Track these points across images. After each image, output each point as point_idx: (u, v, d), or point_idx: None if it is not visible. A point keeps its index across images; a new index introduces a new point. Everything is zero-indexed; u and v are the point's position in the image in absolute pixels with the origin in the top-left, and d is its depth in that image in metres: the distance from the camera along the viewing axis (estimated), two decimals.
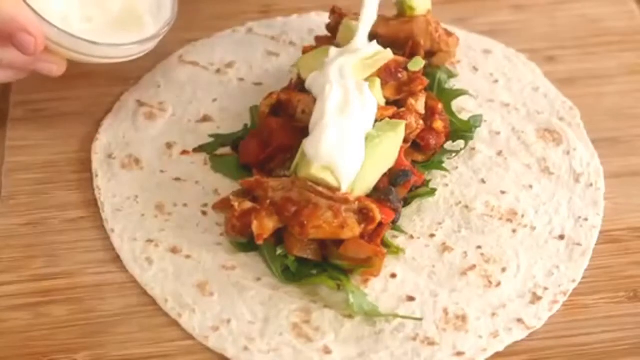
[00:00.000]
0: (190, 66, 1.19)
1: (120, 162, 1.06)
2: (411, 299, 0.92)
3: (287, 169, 0.97)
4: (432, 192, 1.02)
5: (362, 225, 0.91)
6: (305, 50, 1.09)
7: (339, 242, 0.92)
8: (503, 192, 1.03)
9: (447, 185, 1.04)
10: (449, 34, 1.12)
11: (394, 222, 0.96)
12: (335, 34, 1.11)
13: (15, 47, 0.96)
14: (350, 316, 0.91)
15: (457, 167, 1.06)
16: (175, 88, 1.16)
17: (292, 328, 0.90)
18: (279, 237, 0.94)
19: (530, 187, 1.04)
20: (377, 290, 0.93)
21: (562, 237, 0.98)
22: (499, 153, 1.08)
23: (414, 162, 1.03)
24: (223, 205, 0.98)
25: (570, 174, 1.05)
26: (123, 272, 0.96)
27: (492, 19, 1.27)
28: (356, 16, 1.09)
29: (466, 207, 1.01)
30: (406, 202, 1.00)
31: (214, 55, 1.21)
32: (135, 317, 0.92)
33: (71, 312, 0.92)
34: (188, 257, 0.96)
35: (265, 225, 0.92)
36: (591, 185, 1.04)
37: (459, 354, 0.88)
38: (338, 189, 0.92)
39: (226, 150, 1.07)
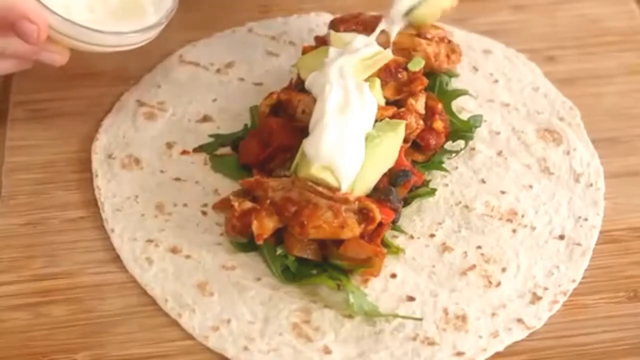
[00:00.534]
0: (190, 66, 1.19)
1: (120, 162, 1.06)
2: (411, 299, 0.92)
3: (287, 169, 0.97)
4: (432, 192, 1.02)
5: (362, 225, 0.91)
6: (305, 51, 1.09)
7: (339, 242, 0.92)
8: (503, 192, 1.03)
9: (447, 185, 1.04)
10: (453, 50, 1.11)
11: (394, 222, 0.96)
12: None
13: (18, 35, 0.95)
14: (350, 316, 0.91)
15: (457, 167, 1.06)
16: (175, 88, 1.16)
17: (292, 328, 0.90)
18: (279, 237, 0.94)
19: (530, 187, 1.04)
20: (377, 290, 0.93)
21: (562, 237, 0.98)
22: (499, 153, 1.08)
23: (414, 162, 1.03)
24: (223, 205, 0.98)
25: (570, 174, 1.05)
26: (123, 272, 0.96)
27: (492, 19, 1.27)
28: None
29: (466, 207, 1.01)
30: (406, 202, 1.00)
31: (214, 55, 1.21)
32: (135, 317, 0.92)
33: (71, 312, 0.92)
34: (188, 257, 0.96)
35: (265, 225, 0.92)
36: (591, 185, 1.04)
37: (459, 354, 0.88)
38: (338, 189, 0.92)
39: (226, 150, 1.07)
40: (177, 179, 1.04)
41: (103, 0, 1.04)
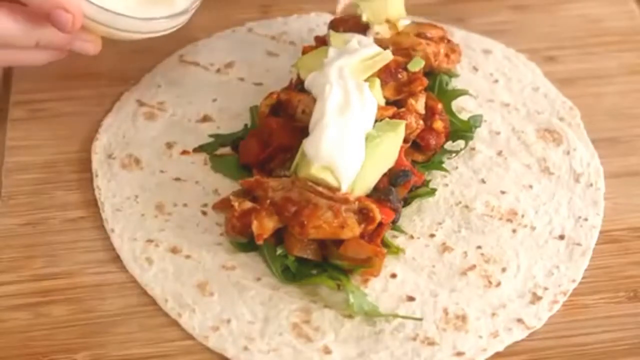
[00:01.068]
0: (190, 66, 1.19)
1: (120, 162, 1.06)
2: (411, 299, 0.92)
3: (287, 169, 0.97)
4: (432, 192, 1.02)
5: (362, 225, 0.91)
6: (305, 51, 1.09)
7: (339, 242, 0.92)
8: (503, 192, 1.03)
9: (447, 185, 1.04)
10: (452, 49, 1.11)
11: (394, 222, 0.96)
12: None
13: (53, 24, 0.96)
14: (350, 316, 0.91)
15: (457, 167, 1.06)
16: (175, 88, 1.16)
17: (292, 328, 0.90)
18: (279, 237, 0.94)
19: (530, 187, 1.04)
20: (377, 290, 0.93)
21: (562, 237, 0.98)
22: (499, 153, 1.08)
23: (414, 162, 1.03)
24: (223, 205, 0.98)
25: (570, 174, 1.05)
26: (123, 272, 0.95)
27: (492, 19, 1.27)
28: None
29: (466, 207, 1.01)
30: (406, 202, 1.00)
31: (214, 55, 1.21)
32: (135, 317, 0.92)
33: (71, 312, 0.92)
34: (188, 257, 0.96)
35: (265, 225, 0.92)
36: (591, 185, 1.04)
37: (459, 354, 0.88)
38: (338, 189, 0.92)
39: (226, 150, 1.07)
40: (177, 179, 1.04)
41: None
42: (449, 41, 1.12)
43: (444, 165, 1.05)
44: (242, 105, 1.12)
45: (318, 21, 1.25)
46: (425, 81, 1.04)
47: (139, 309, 0.92)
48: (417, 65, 1.05)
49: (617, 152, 1.09)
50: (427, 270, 0.95)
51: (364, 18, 1.09)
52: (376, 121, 0.98)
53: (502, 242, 0.98)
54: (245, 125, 1.10)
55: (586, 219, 1.00)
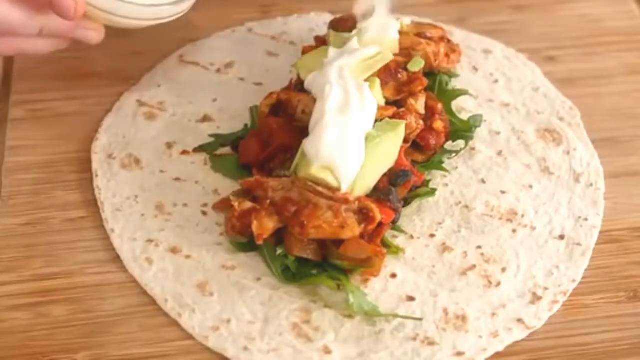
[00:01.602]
0: (190, 66, 1.19)
1: (120, 162, 1.06)
2: (411, 299, 0.92)
3: (287, 169, 0.97)
4: (432, 192, 1.02)
5: (362, 225, 0.91)
6: (305, 51, 1.09)
7: (339, 242, 0.92)
8: (503, 192, 1.03)
9: (447, 185, 1.04)
10: (452, 49, 1.11)
11: (394, 222, 0.96)
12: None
13: (55, 12, 0.96)
14: (350, 316, 0.91)
15: (457, 167, 1.06)
16: (175, 88, 1.16)
17: (292, 328, 0.90)
18: (279, 237, 0.94)
19: (530, 187, 1.04)
20: (377, 290, 0.93)
21: (562, 237, 0.98)
22: (499, 153, 1.08)
23: (414, 162, 1.03)
24: (223, 205, 0.98)
25: (570, 174, 1.05)
26: (123, 272, 0.95)
27: (492, 19, 1.27)
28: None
29: (466, 207, 1.01)
30: (406, 202, 1.00)
31: (214, 55, 1.21)
32: (135, 317, 0.92)
33: (71, 312, 0.92)
34: (188, 257, 0.96)
35: (265, 225, 0.92)
36: (591, 185, 1.04)
37: (459, 354, 0.88)
38: (338, 189, 0.92)
39: (226, 150, 1.07)
40: (177, 179, 1.04)
41: None
42: (449, 41, 1.12)
43: (444, 165, 1.05)
44: (242, 105, 1.12)
45: (318, 21, 1.25)
46: (425, 81, 1.04)
47: (139, 309, 0.92)
48: (417, 65, 1.05)
49: (617, 152, 1.09)
50: (427, 270, 0.95)
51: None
52: (376, 121, 0.98)
53: (502, 242, 0.98)
54: (245, 125, 1.10)
55: (586, 219, 1.00)
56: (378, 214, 0.91)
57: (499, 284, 0.94)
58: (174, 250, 0.97)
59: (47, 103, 1.15)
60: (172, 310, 0.91)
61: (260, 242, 0.92)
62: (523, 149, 1.08)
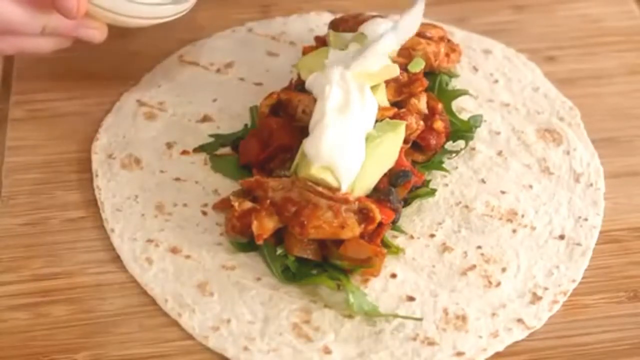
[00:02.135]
0: (190, 66, 1.19)
1: (120, 162, 1.06)
2: (411, 299, 0.92)
3: (287, 169, 0.97)
4: (432, 192, 1.02)
5: (362, 226, 0.91)
6: (305, 51, 1.09)
7: (339, 242, 0.92)
8: (503, 192, 1.03)
9: (447, 185, 1.04)
10: (452, 49, 1.11)
11: (394, 222, 0.96)
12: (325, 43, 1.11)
13: (58, 10, 0.96)
14: (350, 316, 0.91)
15: (457, 167, 1.06)
16: (175, 88, 1.16)
17: (292, 328, 0.90)
18: (279, 237, 0.94)
19: (530, 187, 1.04)
20: (377, 290, 0.93)
21: (562, 237, 0.98)
22: (499, 153, 1.08)
23: (414, 162, 1.03)
24: (223, 205, 0.98)
25: (570, 174, 1.05)
26: (123, 272, 0.95)
27: (492, 19, 1.27)
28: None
29: (466, 207, 1.01)
30: (406, 202, 1.00)
31: (214, 55, 1.21)
32: (135, 317, 0.92)
33: (71, 312, 0.92)
34: (188, 257, 0.96)
35: (265, 225, 0.92)
36: (591, 185, 1.04)
37: (459, 354, 0.88)
38: (338, 189, 0.92)
39: (226, 150, 1.07)
40: (177, 179, 1.04)
41: None
42: (449, 41, 1.12)
43: (444, 165, 1.05)
44: (242, 105, 1.12)
45: (318, 21, 1.25)
46: (426, 82, 1.04)
47: (139, 309, 0.92)
48: (417, 66, 1.05)
49: (617, 152, 1.09)
50: (427, 270, 0.95)
51: None
52: (377, 121, 0.98)
53: (502, 242, 0.98)
54: (245, 125, 1.10)
55: (586, 219, 1.00)
56: (378, 214, 0.91)
57: (499, 284, 0.94)
58: (174, 250, 0.97)
59: (47, 103, 1.15)
60: (172, 310, 0.91)
61: (260, 242, 0.92)
62: (523, 149, 1.08)
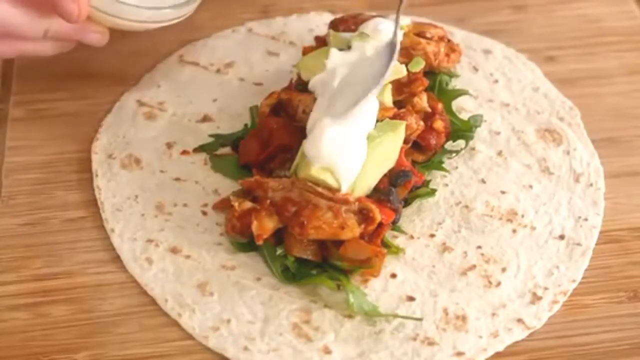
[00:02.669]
0: (190, 66, 1.19)
1: (120, 162, 1.06)
2: (411, 299, 0.92)
3: (287, 170, 0.97)
4: (432, 192, 1.02)
5: (362, 226, 0.91)
6: (306, 51, 1.09)
7: (339, 243, 0.92)
8: (503, 192, 1.03)
9: (447, 185, 1.04)
10: (452, 49, 1.11)
11: (394, 222, 0.96)
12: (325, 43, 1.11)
13: (59, 14, 0.96)
14: (350, 316, 0.91)
15: (457, 167, 1.06)
16: (175, 88, 1.16)
17: (292, 328, 0.90)
18: (279, 237, 0.94)
19: (530, 187, 1.04)
20: (377, 290, 0.93)
21: (562, 237, 0.98)
22: (499, 153, 1.08)
23: (414, 162, 1.03)
24: (223, 205, 0.98)
25: (570, 174, 1.05)
26: (123, 272, 0.95)
27: (492, 19, 1.27)
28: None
29: (466, 207, 1.01)
30: (406, 202, 1.00)
31: (214, 55, 1.21)
32: (135, 317, 0.92)
33: (71, 312, 0.92)
34: (188, 257, 0.96)
35: (265, 226, 0.92)
36: (591, 185, 1.04)
37: (459, 354, 0.88)
38: (338, 190, 0.92)
39: (226, 150, 1.07)
40: (177, 179, 1.04)
41: None
42: (449, 41, 1.12)
43: (444, 165, 1.05)
44: (242, 105, 1.12)
45: (318, 21, 1.25)
46: (426, 82, 1.04)
47: (139, 309, 0.92)
48: (417, 65, 1.05)
49: (617, 152, 1.09)
50: (427, 270, 0.95)
51: None
52: (377, 121, 0.98)
53: (502, 242, 0.98)
54: (245, 125, 1.10)
55: (586, 219, 1.00)
56: (378, 215, 0.91)
57: (499, 284, 0.94)
58: (174, 250, 0.97)
59: (47, 103, 1.15)
60: (172, 310, 0.91)
61: (260, 243, 0.92)
62: (523, 149, 1.08)
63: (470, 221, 1.00)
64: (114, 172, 1.05)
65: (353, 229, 0.91)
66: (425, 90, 1.05)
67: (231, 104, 1.13)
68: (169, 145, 1.08)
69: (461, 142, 1.07)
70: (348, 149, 0.93)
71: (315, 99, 0.99)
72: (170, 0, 1.05)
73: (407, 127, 0.99)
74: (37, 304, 0.93)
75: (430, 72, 1.09)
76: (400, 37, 1.05)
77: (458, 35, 1.23)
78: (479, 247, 0.97)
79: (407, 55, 1.06)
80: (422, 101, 1.03)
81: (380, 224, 0.92)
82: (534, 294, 0.93)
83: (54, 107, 1.14)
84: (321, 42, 1.12)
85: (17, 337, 0.90)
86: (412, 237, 0.98)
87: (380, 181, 0.97)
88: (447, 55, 1.10)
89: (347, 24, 1.12)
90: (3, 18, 0.96)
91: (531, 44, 1.23)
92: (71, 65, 1.15)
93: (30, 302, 0.93)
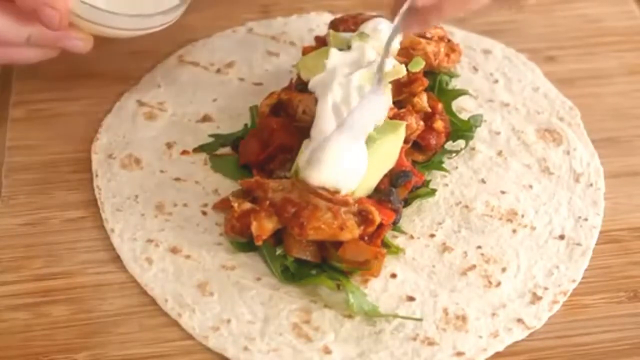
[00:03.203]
0: (190, 66, 1.19)
1: (120, 162, 1.06)
2: (411, 299, 0.92)
3: (288, 170, 0.97)
4: (433, 192, 1.02)
5: (362, 227, 0.91)
6: (306, 51, 1.09)
7: (338, 244, 0.92)
8: (503, 192, 1.03)
9: (447, 185, 1.04)
10: (452, 49, 1.11)
11: (394, 222, 0.96)
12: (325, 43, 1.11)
13: (40, 22, 0.96)
14: (350, 316, 0.91)
15: (457, 167, 1.06)
16: (175, 88, 1.16)
17: (292, 328, 0.90)
18: (278, 237, 0.94)
19: (530, 187, 1.04)
20: (377, 290, 0.93)
21: (562, 237, 0.98)
22: (499, 153, 1.08)
23: (414, 162, 1.03)
24: (223, 205, 0.98)
25: (570, 174, 1.05)
26: (123, 272, 0.95)
27: (492, 19, 1.27)
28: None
29: (466, 207, 1.01)
30: (406, 202, 1.00)
31: (214, 55, 1.21)
32: (135, 317, 0.92)
33: (71, 312, 0.92)
34: (188, 257, 0.96)
35: (264, 226, 0.92)
36: (591, 185, 1.04)
37: (459, 354, 0.88)
38: (338, 191, 0.92)
39: (226, 150, 1.07)
40: (177, 179, 1.04)
41: None
42: (449, 41, 1.12)
43: (444, 165, 1.05)
44: (242, 105, 1.12)
45: (318, 21, 1.25)
46: (426, 82, 1.04)
47: (139, 309, 0.92)
48: (417, 65, 1.05)
49: (617, 152, 1.09)
50: (427, 270, 0.95)
51: None
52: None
53: (502, 242, 0.98)
54: (245, 125, 1.10)
55: (586, 219, 1.00)
56: (377, 217, 0.91)
57: (499, 284, 0.94)
58: (174, 250, 0.97)
59: (47, 103, 1.15)
60: (172, 310, 0.91)
61: (259, 243, 0.92)
62: (523, 149, 1.08)
63: (470, 221, 1.00)
64: (114, 172, 1.05)
65: (352, 230, 0.91)
66: (425, 90, 1.05)
67: (231, 104, 1.13)
68: (169, 145, 1.08)
69: (461, 142, 1.07)
70: (352, 164, 0.92)
71: (315, 99, 0.99)
72: (156, 6, 1.04)
73: (407, 127, 0.99)
74: (37, 304, 0.93)
75: (430, 72, 1.09)
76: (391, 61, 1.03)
77: (458, 35, 1.23)
78: (479, 247, 0.97)
79: (407, 55, 1.07)
80: (422, 101, 1.03)
81: (380, 225, 0.92)
82: (534, 294, 0.93)
83: (54, 107, 1.14)
84: (321, 42, 1.12)
85: (17, 337, 0.90)
86: (412, 237, 0.98)
87: (381, 181, 0.97)
88: (447, 55, 1.10)
89: (347, 24, 1.12)
90: None
91: (531, 44, 1.23)
92: (71, 65, 1.15)
93: (30, 302, 0.93)
